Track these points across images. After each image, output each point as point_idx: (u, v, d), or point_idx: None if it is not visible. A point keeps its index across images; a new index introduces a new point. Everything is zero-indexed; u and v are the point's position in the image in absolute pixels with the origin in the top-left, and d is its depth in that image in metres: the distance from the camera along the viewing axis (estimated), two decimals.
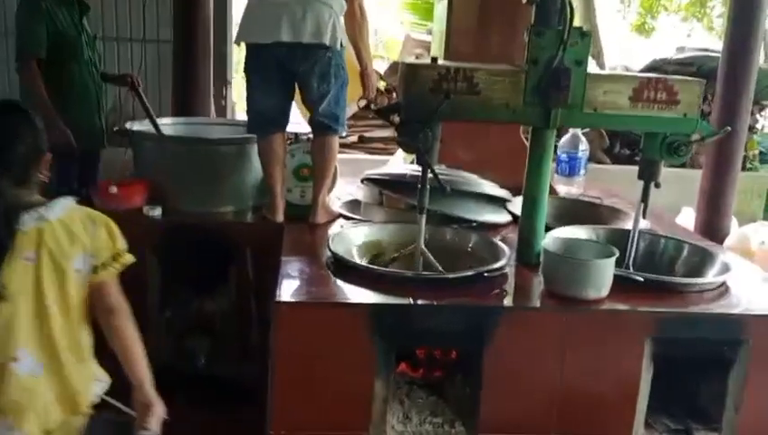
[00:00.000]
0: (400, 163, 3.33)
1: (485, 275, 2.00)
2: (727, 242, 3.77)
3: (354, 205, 2.78)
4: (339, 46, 2.46)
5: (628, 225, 2.74)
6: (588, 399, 1.93)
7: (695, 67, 5.41)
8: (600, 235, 2.46)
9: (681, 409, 2.07)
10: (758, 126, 5.88)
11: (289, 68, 2.44)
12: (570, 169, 3.39)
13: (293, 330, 1.80)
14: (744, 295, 2.10)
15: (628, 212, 2.91)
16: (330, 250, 2.12)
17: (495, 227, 2.62)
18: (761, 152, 5.44)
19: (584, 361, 1.92)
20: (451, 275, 1.97)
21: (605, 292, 1.94)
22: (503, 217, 2.68)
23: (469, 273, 1.99)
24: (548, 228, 2.25)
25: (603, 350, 1.92)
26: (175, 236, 2.52)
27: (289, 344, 1.80)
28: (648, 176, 2.25)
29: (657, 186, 2.27)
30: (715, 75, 4.02)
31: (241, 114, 4.06)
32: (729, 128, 2.23)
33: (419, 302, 1.86)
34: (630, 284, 2.00)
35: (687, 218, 4.08)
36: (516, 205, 2.79)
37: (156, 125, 2.99)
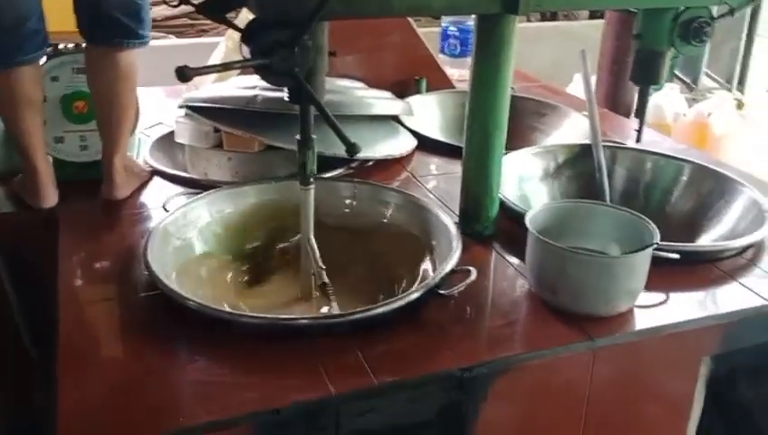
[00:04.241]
0: (231, 56, 2.26)
1: (440, 291, 1.14)
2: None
3: (170, 148, 1.76)
4: None
5: (575, 127, 2.01)
6: None
7: None
8: (559, 157, 1.67)
9: None
10: None
11: None
12: (461, 47, 2.52)
13: None
14: None
15: (559, 106, 2.13)
16: (148, 271, 1.15)
17: (399, 161, 1.74)
18: None
19: (613, 409, 1.16)
20: (380, 310, 1.08)
21: (638, 297, 1.16)
22: (406, 144, 1.79)
23: (414, 296, 1.11)
24: None
25: (641, 387, 1.17)
26: None
27: None
28: (649, 75, 1.45)
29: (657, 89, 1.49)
30: None
31: None
32: None
33: (342, 390, 0.96)
34: (660, 264, 1.22)
35: (580, 88, 3.38)
36: (419, 121, 1.92)
37: None
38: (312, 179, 1.20)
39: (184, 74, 0.97)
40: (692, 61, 4.74)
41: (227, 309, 1.07)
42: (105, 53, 1.42)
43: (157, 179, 1.61)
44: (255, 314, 1.08)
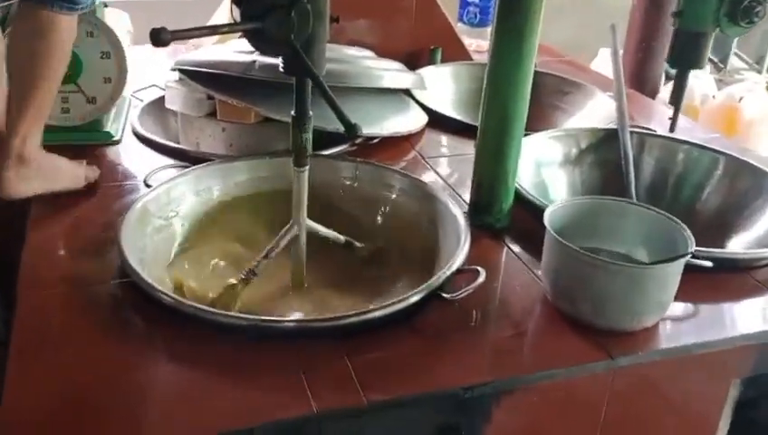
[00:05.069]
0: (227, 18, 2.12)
1: (442, 294, 1.02)
2: (662, 95, 2.97)
3: (162, 114, 1.63)
4: None
5: (599, 108, 1.86)
6: None
7: None
8: (581, 141, 1.54)
9: None
10: None
11: None
12: (480, 16, 2.36)
13: None
14: None
15: (583, 84, 1.98)
16: (120, 256, 1.04)
17: (407, 138, 1.60)
18: None
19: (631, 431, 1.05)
20: (375, 314, 0.96)
21: (666, 310, 1.03)
22: (416, 120, 1.65)
23: (413, 299, 0.99)
24: None
25: (660, 411, 1.05)
26: None
27: None
28: (689, 58, 1.30)
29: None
30: None
31: None
32: None
33: (326, 407, 0.85)
34: (688, 271, 1.09)
35: (606, 64, 3.21)
36: (431, 95, 1.78)
37: None
38: (306, 160, 1.08)
39: (159, 38, 0.84)
40: (721, 40, 4.52)
41: (204, 307, 0.95)
42: (30, 9, 1.18)
43: (143, 149, 1.48)
44: (235, 314, 0.96)
